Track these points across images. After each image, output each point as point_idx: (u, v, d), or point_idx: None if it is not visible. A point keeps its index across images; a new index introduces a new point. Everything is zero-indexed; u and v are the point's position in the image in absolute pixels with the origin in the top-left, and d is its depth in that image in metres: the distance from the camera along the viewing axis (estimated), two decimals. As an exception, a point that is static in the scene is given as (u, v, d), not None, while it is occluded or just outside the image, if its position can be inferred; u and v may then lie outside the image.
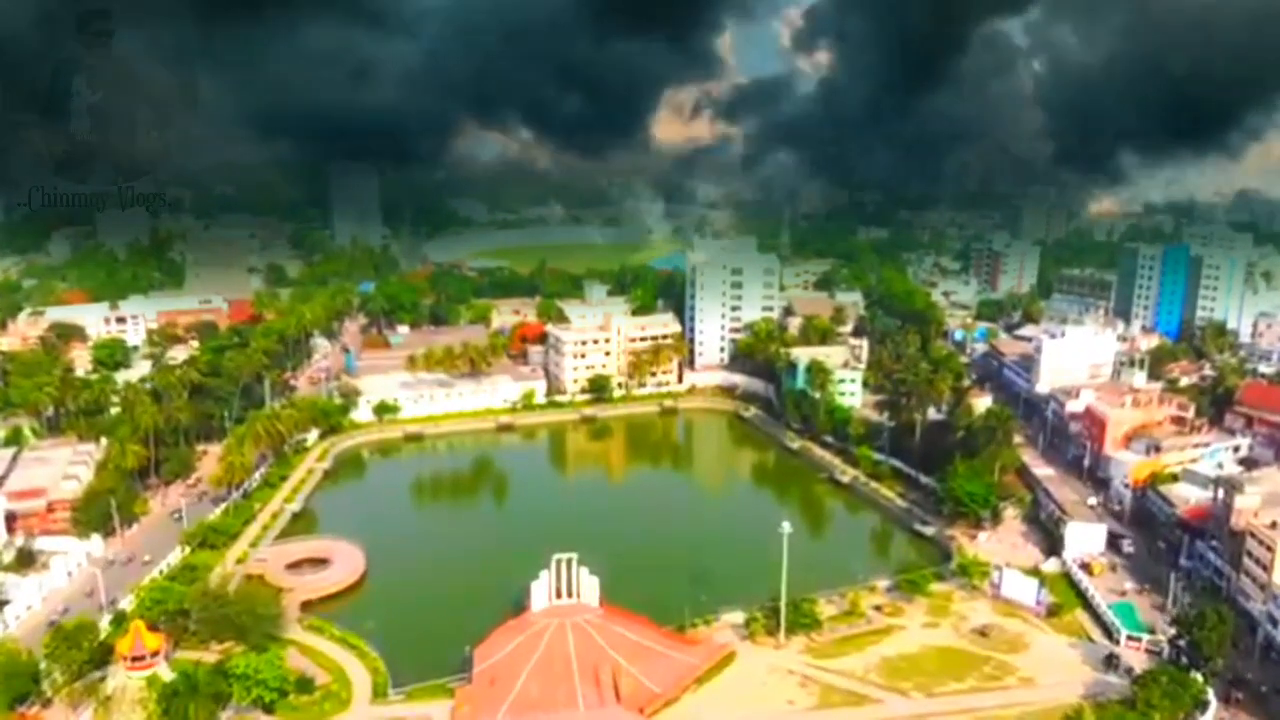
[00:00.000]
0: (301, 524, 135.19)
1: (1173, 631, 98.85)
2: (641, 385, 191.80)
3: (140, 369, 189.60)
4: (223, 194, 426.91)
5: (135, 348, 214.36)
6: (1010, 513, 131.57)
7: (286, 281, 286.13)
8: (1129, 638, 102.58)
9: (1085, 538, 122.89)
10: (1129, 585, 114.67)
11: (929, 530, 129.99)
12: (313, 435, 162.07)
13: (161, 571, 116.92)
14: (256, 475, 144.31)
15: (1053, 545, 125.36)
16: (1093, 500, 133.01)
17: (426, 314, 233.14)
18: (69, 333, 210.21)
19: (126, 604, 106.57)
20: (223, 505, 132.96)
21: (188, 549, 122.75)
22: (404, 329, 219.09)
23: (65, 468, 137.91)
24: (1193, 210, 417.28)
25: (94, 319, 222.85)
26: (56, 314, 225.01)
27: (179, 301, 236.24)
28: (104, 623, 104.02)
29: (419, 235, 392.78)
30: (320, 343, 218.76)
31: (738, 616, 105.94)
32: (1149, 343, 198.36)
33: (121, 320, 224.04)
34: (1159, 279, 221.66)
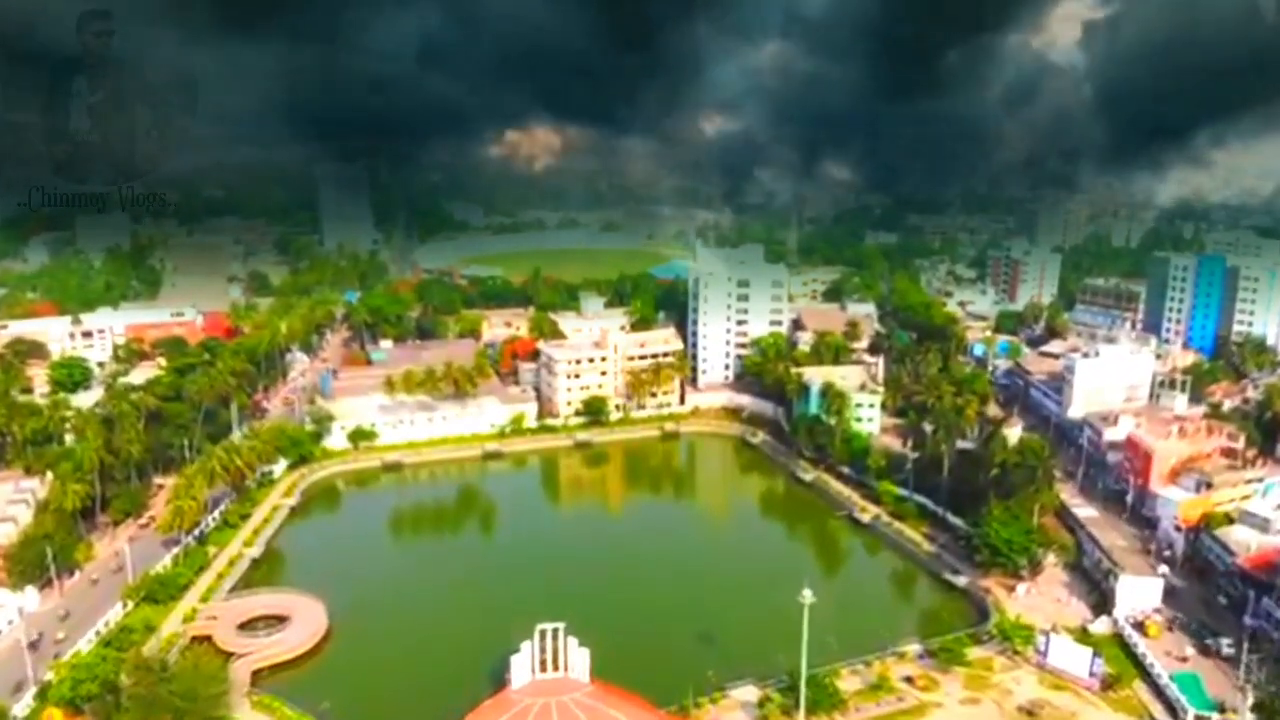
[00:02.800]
0: (262, 571, 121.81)
1: (1252, 718, 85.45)
2: (641, 407, 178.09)
3: (101, 390, 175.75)
4: (210, 197, 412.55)
5: (101, 365, 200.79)
6: (1050, 559, 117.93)
7: (269, 290, 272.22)
8: (1197, 718, 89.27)
9: (1139, 593, 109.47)
10: (1190, 650, 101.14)
11: (960, 581, 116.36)
12: (281, 466, 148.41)
13: (99, 632, 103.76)
14: (216, 513, 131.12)
15: (1101, 599, 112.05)
16: (1164, 570, 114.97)
17: (413, 327, 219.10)
18: (30, 349, 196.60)
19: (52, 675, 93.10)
20: (174, 551, 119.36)
21: (129, 605, 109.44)
22: (387, 344, 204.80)
23: (4, 507, 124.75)
24: (1205, 212, 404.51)
25: (59, 333, 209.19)
26: (20, 328, 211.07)
27: (149, 314, 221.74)
28: (27, 699, 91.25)
29: (411, 240, 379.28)
30: (299, 358, 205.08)
31: (749, 693, 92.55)
32: (1184, 360, 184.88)
33: (88, 335, 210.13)
34: (1192, 291, 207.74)
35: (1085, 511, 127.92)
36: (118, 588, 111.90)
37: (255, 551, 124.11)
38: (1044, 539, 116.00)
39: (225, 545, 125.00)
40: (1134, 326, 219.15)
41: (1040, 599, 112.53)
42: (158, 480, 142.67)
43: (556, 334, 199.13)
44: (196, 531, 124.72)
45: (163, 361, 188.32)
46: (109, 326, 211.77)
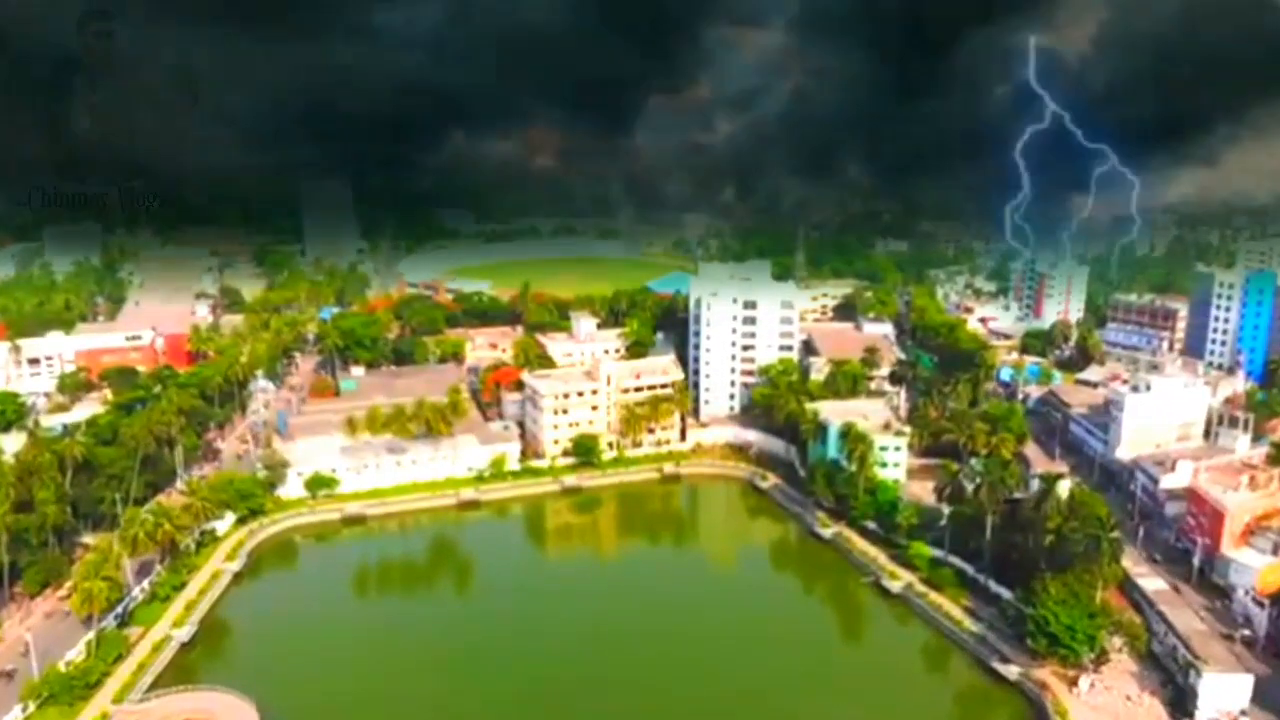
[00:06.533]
0: (193, 657, 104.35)
1: None
2: (636, 445, 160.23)
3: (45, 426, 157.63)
4: (189, 203, 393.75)
5: (48, 396, 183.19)
6: (1116, 642, 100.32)
7: (242, 307, 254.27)
8: None
9: (1225, 691, 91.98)
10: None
11: (1011, 672, 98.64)
12: (228, 520, 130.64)
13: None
14: (145, 583, 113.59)
15: (1177, 694, 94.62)
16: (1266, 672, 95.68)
17: (388, 350, 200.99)
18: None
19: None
20: (87, 636, 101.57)
21: (30, 707, 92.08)
22: (358, 370, 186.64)
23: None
24: (1227, 218, 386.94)
25: (3, 360, 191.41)
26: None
27: (103, 337, 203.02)
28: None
29: (398, 249, 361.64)
30: (264, 387, 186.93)
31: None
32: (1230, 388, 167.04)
33: (35, 362, 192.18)
34: (1239, 311, 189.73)
35: (1153, 584, 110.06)
36: (21, 682, 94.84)
37: (184, 634, 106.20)
38: (1110, 623, 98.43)
39: (152, 625, 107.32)
40: (1172, 348, 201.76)
41: (1107, 696, 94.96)
42: (87, 538, 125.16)
43: (544, 360, 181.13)
44: (119, 609, 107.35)
45: (110, 394, 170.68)
46: (58, 353, 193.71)
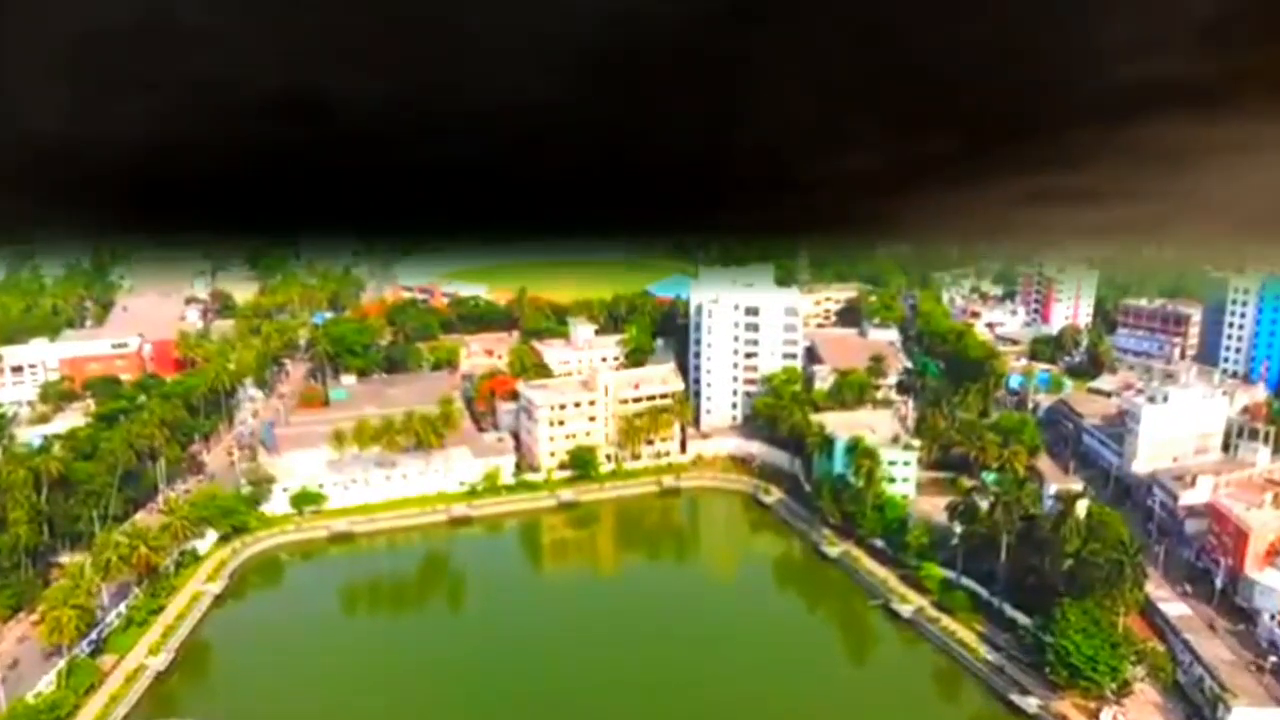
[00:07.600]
0: (169, 687, 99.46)
1: None
2: (635, 457, 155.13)
3: (23, 439, 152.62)
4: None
5: (32, 406, 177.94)
6: (1139, 671, 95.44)
7: (233, 312, 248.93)
8: None
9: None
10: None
11: (1030, 704, 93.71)
12: (210, 538, 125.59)
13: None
14: (122, 606, 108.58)
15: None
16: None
17: (381, 357, 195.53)
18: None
19: None
20: (58, 665, 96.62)
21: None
22: (349, 379, 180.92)
23: None
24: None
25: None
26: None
27: (89, 344, 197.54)
28: None
29: (394, 251, 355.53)
30: (253, 396, 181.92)
31: None
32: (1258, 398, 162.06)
33: (17, 370, 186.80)
34: (1254, 318, 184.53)
35: (1176, 609, 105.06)
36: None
37: (160, 662, 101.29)
38: (1134, 651, 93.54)
39: (126, 652, 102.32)
40: (1184, 355, 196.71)
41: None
42: (64, 558, 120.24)
43: (540, 368, 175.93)
44: (93, 634, 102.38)
45: (92, 405, 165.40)
46: (40, 361, 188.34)
